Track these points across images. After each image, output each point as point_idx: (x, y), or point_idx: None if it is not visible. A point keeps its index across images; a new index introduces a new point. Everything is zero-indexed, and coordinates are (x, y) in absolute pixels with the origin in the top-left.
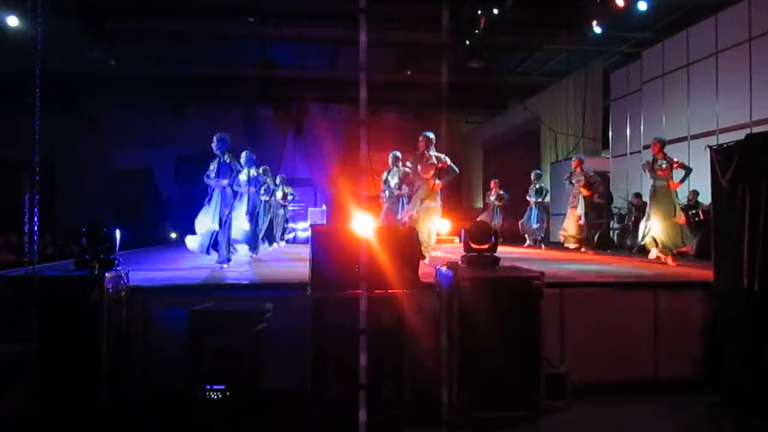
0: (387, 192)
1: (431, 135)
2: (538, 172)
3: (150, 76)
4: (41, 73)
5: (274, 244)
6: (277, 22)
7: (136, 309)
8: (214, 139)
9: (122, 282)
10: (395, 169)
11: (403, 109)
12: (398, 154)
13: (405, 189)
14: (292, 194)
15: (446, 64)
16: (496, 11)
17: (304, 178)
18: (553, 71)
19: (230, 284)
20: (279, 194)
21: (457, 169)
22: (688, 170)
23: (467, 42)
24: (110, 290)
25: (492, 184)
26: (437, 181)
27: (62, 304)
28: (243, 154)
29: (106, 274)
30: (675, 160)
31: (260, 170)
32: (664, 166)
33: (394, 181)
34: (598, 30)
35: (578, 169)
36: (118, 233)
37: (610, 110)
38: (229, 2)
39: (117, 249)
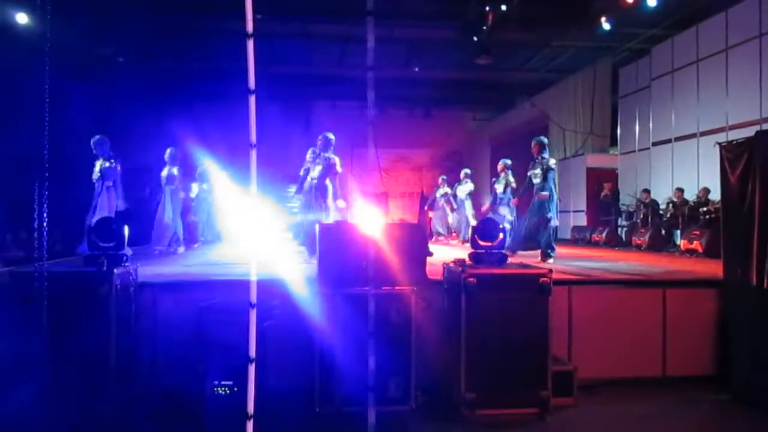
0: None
1: (329, 135)
2: (467, 171)
3: (158, 73)
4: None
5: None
6: (284, 18)
7: (145, 305)
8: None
9: (131, 278)
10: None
11: (411, 105)
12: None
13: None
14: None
15: (454, 60)
16: (504, 7)
17: None
18: (562, 68)
19: (237, 280)
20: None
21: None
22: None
23: (475, 38)
24: (119, 286)
25: (440, 181)
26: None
27: (71, 300)
28: (167, 151)
29: (115, 270)
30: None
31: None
32: (537, 171)
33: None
34: (607, 26)
35: (502, 173)
36: (126, 230)
37: (618, 107)
38: None
39: (125, 245)
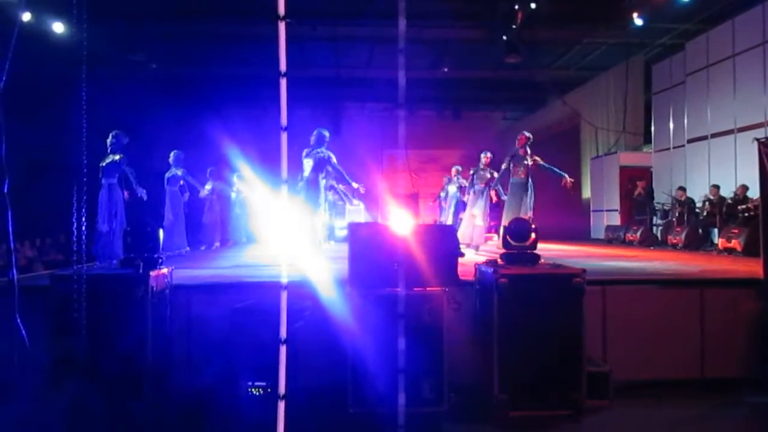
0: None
1: (323, 132)
2: (459, 168)
3: (189, 78)
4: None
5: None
6: (312, 22)
7: (179, 306)
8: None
9: (166, 280)
10: None
11: (440, 106)
12: None
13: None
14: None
15: (483, 60)
16: (533, 5)
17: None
18: (593, 65)
19: (270, 282)
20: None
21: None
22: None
23: (504, 37)
24: (154, 288)
25: (444, 181)
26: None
27: (108, 302)
28: (172, 154)
29: (151, 273)
30: (534, 159)
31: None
32: (520, 169)
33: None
34: (639, 22)
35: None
36: (161, 233)
37: (652, 104)
38: (264, 4)
39: (161, 248)
